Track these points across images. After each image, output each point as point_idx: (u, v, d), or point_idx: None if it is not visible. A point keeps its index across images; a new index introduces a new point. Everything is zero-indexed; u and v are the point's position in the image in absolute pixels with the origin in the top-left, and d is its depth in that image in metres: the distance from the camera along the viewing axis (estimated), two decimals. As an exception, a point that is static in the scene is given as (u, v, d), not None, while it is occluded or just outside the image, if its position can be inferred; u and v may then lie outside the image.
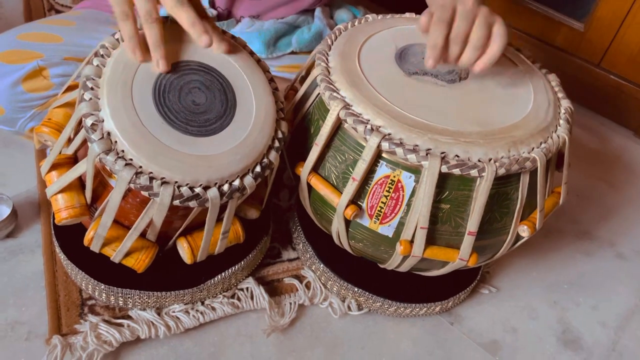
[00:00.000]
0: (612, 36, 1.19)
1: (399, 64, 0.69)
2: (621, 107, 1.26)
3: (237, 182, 0.61)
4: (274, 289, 0.81)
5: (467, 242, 0.65)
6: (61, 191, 0.65)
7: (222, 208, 0.64)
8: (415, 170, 0.61)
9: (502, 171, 0.60)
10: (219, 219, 0.66)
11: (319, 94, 0.68)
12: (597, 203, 1.08)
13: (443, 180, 0.61)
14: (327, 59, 0.69)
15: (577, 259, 0.97)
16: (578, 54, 1.26)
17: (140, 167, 0.57)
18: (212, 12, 0.87)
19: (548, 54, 1.28)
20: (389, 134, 0.60)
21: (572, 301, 0.90)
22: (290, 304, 0.80)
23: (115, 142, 0.57)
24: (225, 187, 0.61)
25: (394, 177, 0.62)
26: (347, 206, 0.65)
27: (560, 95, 0.71)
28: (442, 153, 0.59)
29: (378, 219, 0.65)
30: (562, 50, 1.27)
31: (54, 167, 0.66)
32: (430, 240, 0.65)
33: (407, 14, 0.79)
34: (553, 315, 0.87)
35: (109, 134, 0.57)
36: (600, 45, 1.22)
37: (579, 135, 1.21)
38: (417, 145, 0.59)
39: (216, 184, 0.60)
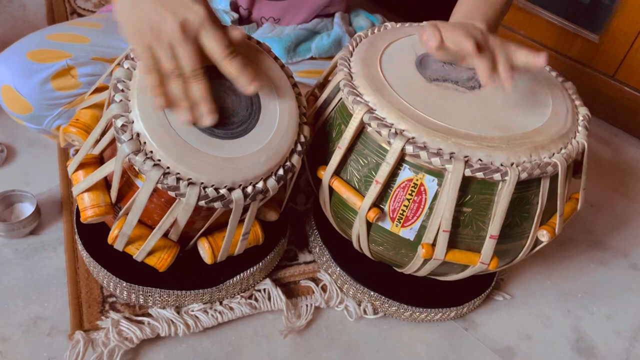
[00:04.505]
0: (627, 48, 1.20)
1: (420, 70, 0.70)
2: (635, 118, 1.26)
3: (260, 185, 0.63)
4: (290, 291, 0.82)
5: (489, 245, 0.66)
6: (87, 190, 0.66)
7: (244, 209, 0.65)
8: (438, 174, 0.62)
9: (524, 175, 0.60)
10: (240, 221, 0.68)
11: (341, 98, 0.69)
12: (611, 213, 1.08)
13: (466, 184, 0.62)
14: (349, 65, 0.70)
15: (591, 269, 0.97)
16: (593, 66, 1.26)
17: (168, 167, 0.58)
18: (233, 15, 0.89)
19: (563, 65, 1.29)
20: (413, 138, 0.61)
21: (586, 310, 0.90)
22: (307, 306, 0.81)
23: (144, 143, 0.59)
24: (249, 189, 0.62)
25: (417, 180, 0.63)
26: (369, 209, 0.65)
27: (577, 102, 0.72)
28: (466, 157, 0.60)
29: (400, 222, 0.66)
30: (576, 61, 1.28)
31: (81, 166, 0.67)
32: (452, 244, 0.66)
33: (425, 23, 0.80)
34: (567, 324, 0.88)
35: (138, 135, 0.59)
36: (615, 57, 1.22)
37: (593, 146, 1.21)
38: (440, 149, 0.60)
39: (240, 185, 0.61)
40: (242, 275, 0.77)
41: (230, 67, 0.58)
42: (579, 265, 0.97)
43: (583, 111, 0.70)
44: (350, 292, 0.82)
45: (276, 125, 0.65)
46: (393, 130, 0.61)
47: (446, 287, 0.81)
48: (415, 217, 0.65)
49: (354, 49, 0.73)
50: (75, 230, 0.78)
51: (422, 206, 0.64)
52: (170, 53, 0.56)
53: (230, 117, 0.63)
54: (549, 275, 0.94)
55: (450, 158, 0.60)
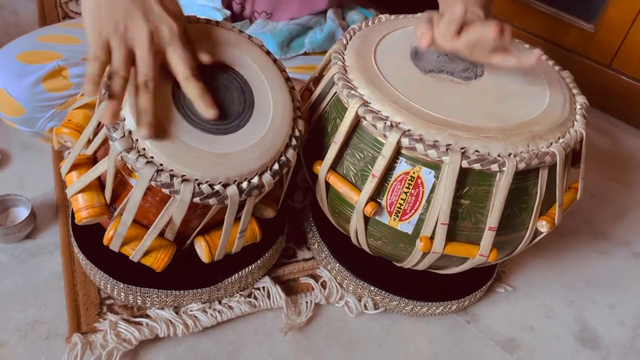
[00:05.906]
0: (623, 37, 1.19)
1: (415, 62, 0.69)
2: (633, 107, 1.26)
3: (255, 180, 0.62)
4: (290, 288, 0.82)
5: (488, 237, 0.65)
6: (81, 191, 0.66)
7: (240, 206, 0.64)
8: (435, 166, 0.62)
9: (522, 166, 0.60)
10: (237, 218, 0.67)
11: (335, 92, 0.68)
12: (611, 203, 1.07)
13: (463, 175, 0.61)
14: (343, 58, 0.69)
15: (592, 259, 0.96)
16: (588, 55, 1.26)
17: (161, 164, 0.58)
18: (225, 12, 0.88)
19: (558, 55, 1.28)
20: (409, 130, 0.60)
21: (589, 300, 0.90)
22: (307, 302, 0.80)
23: (137, 140, 0.58)
24: (244, 185, 0.61)
25: (414, 173, 0.62)
26: (366, 203, 0.65)
27: (575, 91, 0.71)
28: (462, 148, 0.59)
29: (397, 216, 0.65)
30: (572, 51, 1.27)
31: (74, 167, 0.67)
32: (451, 236, 0.65)
33: (419, 14, 0.80)
34: (570, 314, 0.87)
35: (130, 132, 0.58)
36: (610, 46, 1.22)
37: (591, 136, 1.20)
38: (437, 141, 0.60)
39: (235, 181, 0.61)
40: (240, 273, 0.77)
41: (192, 89, 0.58)
42: (581, 255, 0.97)
43: (580, 100, 0.70)
44: (350, 288, 0.82)
45: (270, 120, 0.64)
46: (388, 123, 0.61)
47: (447, 280, 0.80)
48: (412, 211, 0.64)
49: (347, 42, 0.72)
50: (71, 233, 0.77)
51: (419, 199, 0.63)
52: (125, 55, 0.55)
53: (224, 112, 0.62)
54: (550, 266, 0.94)
55: (447, 150, 0.59)
